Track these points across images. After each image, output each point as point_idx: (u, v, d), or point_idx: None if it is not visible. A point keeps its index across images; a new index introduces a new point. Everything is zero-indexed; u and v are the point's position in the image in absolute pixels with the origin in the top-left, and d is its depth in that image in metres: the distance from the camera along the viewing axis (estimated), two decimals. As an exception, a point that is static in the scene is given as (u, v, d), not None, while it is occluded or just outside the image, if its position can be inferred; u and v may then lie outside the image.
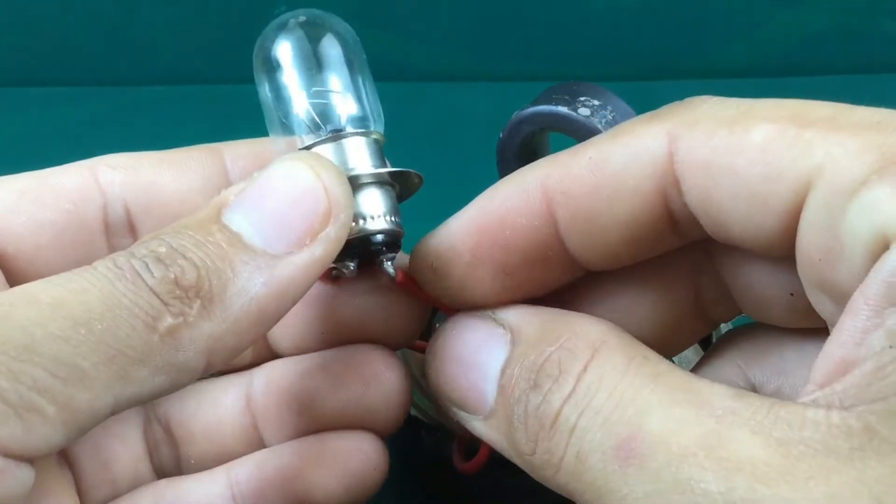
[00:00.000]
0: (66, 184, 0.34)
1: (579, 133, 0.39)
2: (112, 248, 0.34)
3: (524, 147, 0.41)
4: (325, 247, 0.30)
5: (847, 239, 0.27)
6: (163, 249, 0.28)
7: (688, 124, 0.30)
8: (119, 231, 0.34)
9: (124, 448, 0.36)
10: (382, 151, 0.34)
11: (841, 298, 0.27)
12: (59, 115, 0.77)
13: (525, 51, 0.79)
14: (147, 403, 0.36)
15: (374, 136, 0.34)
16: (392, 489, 0.38)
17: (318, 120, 0.34)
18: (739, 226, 0.29)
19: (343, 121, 0.34)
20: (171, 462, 0.37)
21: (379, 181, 0.33)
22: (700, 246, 0.32)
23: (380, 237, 0.33)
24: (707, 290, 0.34)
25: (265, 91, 0.36)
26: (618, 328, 0.30)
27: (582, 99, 0.39)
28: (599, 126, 0.38)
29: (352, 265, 0.33)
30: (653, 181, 0.30)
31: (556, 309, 0.32)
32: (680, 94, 0.77)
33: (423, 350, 0.42)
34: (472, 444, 0.39)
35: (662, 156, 0.30)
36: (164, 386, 0.28)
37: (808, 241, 0.28)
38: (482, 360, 0.31)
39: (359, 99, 0.35)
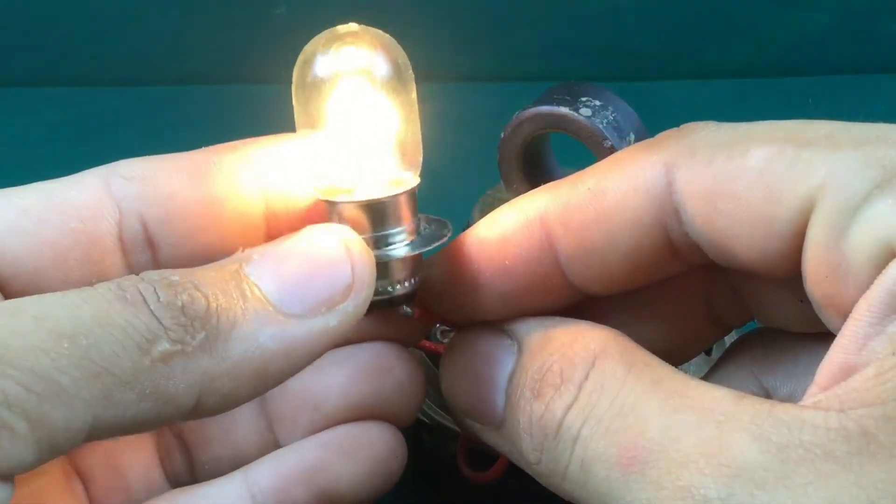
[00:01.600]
0: (74, 199, 0.32)
1: (580, 133, 0.39)
2: (129, 265, 0.33)
3: (525, 147, 0.41)
4: (340, 319, 0.29)
5: (852, 254, 0.27)
6: (175, 277, 0.28)
7: (685, 153, 0.30)
8: (137, 247, 0.33)
9: (136, 456, 0.35)
10: (416, 200, 0.34)
11: (847, 311, 0.27)
12: (59, 115, 0.77)
13: (525, 51, 0.79)
14: None
15: (410, 190, 0.33)
16: (393, 489, 0.38)
17: (357, 172, 0.33)
18: (744, 251, 0.29)
19: (384, 176, 0.33)
20: (184, 469, 0.36)
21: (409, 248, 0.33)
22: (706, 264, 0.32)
23: (402, 298, 0.33)
24: (718, 298, 0.34)
25: (304, 116, 0.34)
26: (619, 334, 0.30)
27: (583, 99, 0.39)
28: (601, 126, 0.38)
29: (409, 309, 0.34)
30: (652, 212, 0.30)
31: (561, 318, 0.32)
32: (680, 95, 0.78)
33: (428, 349, 0.42)
34: (476, 448, 0.39)
35: (661, 186, 0.30)
36: (149, 416, 0.27)
37: (813, 260, 0.28)
38: (491, 372, 0.31)
39: (403, 153, 0.34)
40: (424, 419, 0.43)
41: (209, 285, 0.28)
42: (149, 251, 0.33)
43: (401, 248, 0.32)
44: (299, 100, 0.34)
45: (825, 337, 0.28)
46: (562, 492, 0.29)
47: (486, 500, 0.42)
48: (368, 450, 0.34)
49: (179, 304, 0.27)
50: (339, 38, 0.35)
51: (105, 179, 0.33)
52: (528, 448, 0.30)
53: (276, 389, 0.34)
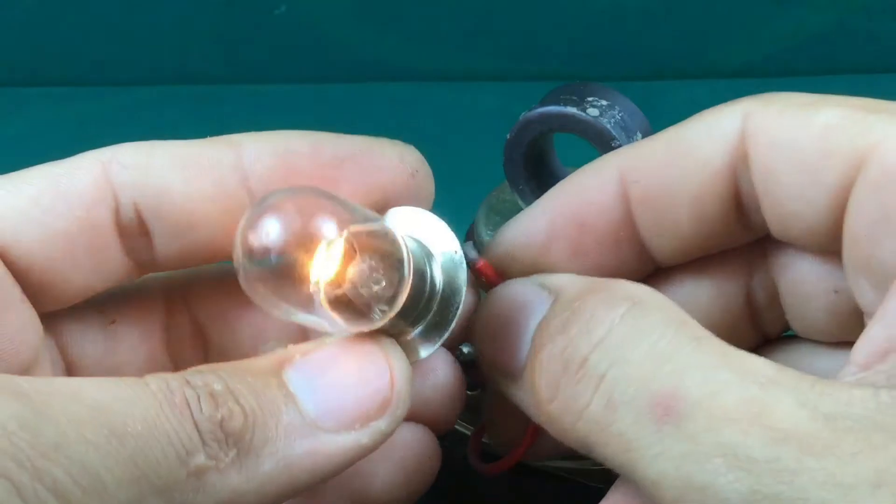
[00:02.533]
0: (78, 187, 0.32)
1: (588, 133, 0.39)
2: (127, 250, 0.33)
3: (532, 148, 0.41)
4: (372, 437, 0.29)
5: (894, 212, 0.27)
6: (218, 387, 0.28)
7: (762, 104, 0.31)
8: (132, 232, 0.33)
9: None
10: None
11: (883, 280, 0.27)
12: (59, 115, 0.77)
13: (527, 51, 0.79)
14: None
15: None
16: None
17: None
18: (793, 202, 0.30)
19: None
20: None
21: None
22: (756, 247, 0.32)
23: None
24: (759, 294, 0.34)
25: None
26: (659, 294, 0.30)
27: (590, 99, 0.39)
28: (608, 126, 0.38)
29: (465, 349, 0.34)
30: (724, 156, 0.31)
31: (604, 278, 0.31)
32: (681, 95, 0.78)
33: None
34: (486, 444, 0.39)
35: (735, 132, 0.31)
36: None
37: (856, 217, 0.28)
38: (521, 319, 0.31)
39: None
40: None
41: (249, 394, 0.28)
42: (144, 240, 0.33)
43: (428, 336, 0.32)
44: None
45: (846, 347, 0.28)
46: (572, 434, 0.29)
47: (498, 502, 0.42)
48: (403, 451, 0.34)
49: (219, 417, 0.27)
50: None
51: (105, 165, 0.33)
52: (543, 384, 0.29)
53: None
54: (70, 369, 0.34)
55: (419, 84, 0.80)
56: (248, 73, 0.79)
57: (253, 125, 0.65)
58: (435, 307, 0.32)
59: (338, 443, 0.29)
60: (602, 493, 0.40)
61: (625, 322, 0.28)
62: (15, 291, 0.31)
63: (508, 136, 0.41)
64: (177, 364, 0.36)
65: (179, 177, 0.33)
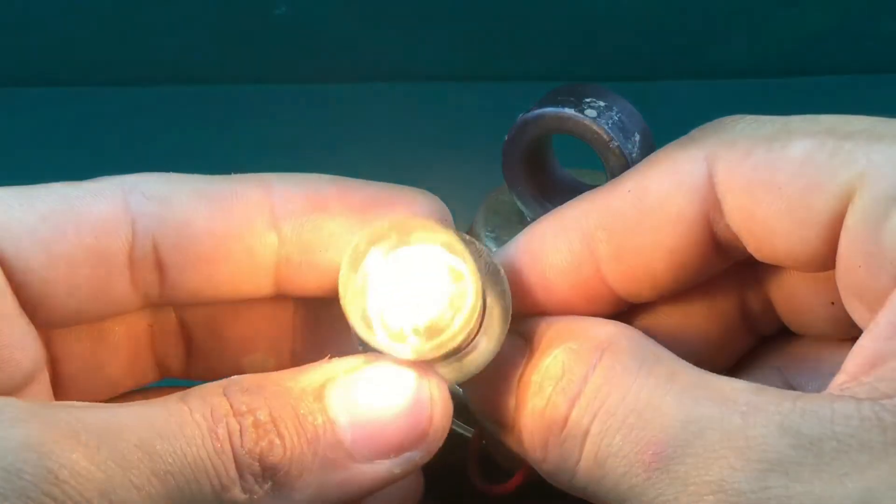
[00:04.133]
0: (93, 212, 0.32)
1: (586, 134, 0.39)
2: (135, 283, 0.33)
3: (530, 149, 0.41)
4: (405, 468, 0.29)
5: (889, 243, 0.27)
6: (262, 416, 0.28)
7: (725, 145, 0.30)
8: (145, 268, 0.33)
9: None
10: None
11: (878, 303, 0.27)
12: (59, 115, 0.77)
13: (526, 51, 0.79)
14: None
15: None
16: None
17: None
18: (782, 241, 0.29)
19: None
20: None
21: None
22: (744, 264, 0.32)
23: None
24: (753, 304, 0.34)
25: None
26: (630, 329, 0.30)
27: (588, 100, 0.39)
28: (606, 127, 0.38)
29: None
30: (695, 206, 0.30)
31: (577, 316, 0.32)
32: (680, 95, 0.78)
33: None
34: (488, 459, 0.39)
35: (703, 179, 0.30)
36: None
37: (849, 249, 0.28)
38: (504, 372, 0.31)
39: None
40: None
41: (291, 424, 0.28)
42: (156, 273, 0.33)
43: (471, 360, 0.31)
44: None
45: (851, 341, 0.28)
46: (570, 489, 0.29)
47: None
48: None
49: (258, 451, 0.27)
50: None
51: (125, 193, 0.32)
52: (535, 445, 0.30)
53: None
54: (55, 364, 0.34)
55: (419, 84, 0.80)
56: (248, 73, 0.79)
57: (253, 125, 0.66)
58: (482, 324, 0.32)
59: (370, 471, 0.29)
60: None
61: (598, 374, 0.29)
62: (12, 304, 0.31)
63: (506, 138, 0.41)
64: (161, 364, 0.36)
65: (204, 212, 0.32)
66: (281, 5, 0.77)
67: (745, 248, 0.31)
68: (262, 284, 0.34)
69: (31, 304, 0.32)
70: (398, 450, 0.29)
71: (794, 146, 0.29)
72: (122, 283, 0.33)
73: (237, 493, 0.27)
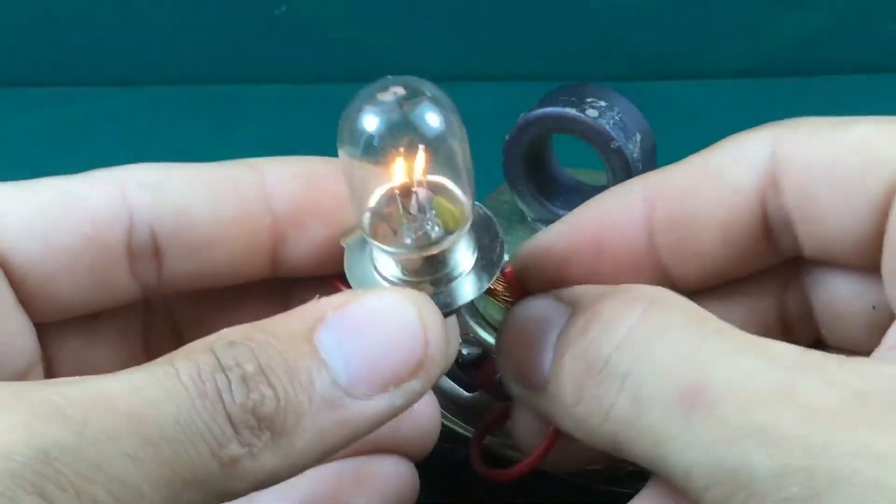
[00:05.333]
0: (90, 202, 0.32)
1: (587, 134, 0.39)
2: (135, 274, 0.33)
3: (531, 149, 0.41)
4: (406, 398, 0.29)
5: None
6: (250, 368, 0.27)
7: (790, 128, 0.31)
8: (143, 255, 0.33)
9: None
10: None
11: None
12: (59, 115, 0.77)
13: (526, 51, 0.79)
14: None
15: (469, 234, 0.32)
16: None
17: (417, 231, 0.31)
18: (834, 219, 0.30)
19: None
20: None
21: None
22: (788, 264, 0.33)
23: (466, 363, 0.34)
24: (792, 310, 0.34)
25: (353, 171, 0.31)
26: (677, 294, 0.30)
27: (589, 100, 0.39)
28: (607, 127, 0.39)
29: (465, 351, 0.34)
30: (753, 181, 0.31)
31: (619, 285, 0.31)
32: (680, 95, 0.78)
33: None
34: (488, 447, 0.39)
35: (765, 156, 0.31)
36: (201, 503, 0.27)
37: None
38: (541, 332, 0.31)
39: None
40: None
41: (282, 372, 0.27)
42: (154, 261, 0.33)
43: (462, 287, 0.31)
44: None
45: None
46: (599, 435, 0.29)
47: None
48: (382, 483, 0.34)
49: (251, 404, 0.27)
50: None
51: (121, 183, 0.32)
52: (567, 388, 0.29)
53: None
54: (47, 364, 0.34)
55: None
56: (248, 73, 0.79)
57: (253, 125, 0.66)
58: (477, 253, 0.32)
59: (370, 407, 0.28)
60: (603, 494, 0.40)
61: (645, 320, 0.28)
62: (9, 298, 0.31)
63: (507, 138, 0.41)
64: None
65: (200, 197, 0.33)
66: (281, 5, 0.77)
67: (794, 238, 0.31)
68: (258, 267, 0.34)
69: (28, 297, 0.32)
70: (397, 381, 0.28)
71: (856, 129, 0.29)
72: (120, 273, 0.33)
73: (235, 448, 0.26)
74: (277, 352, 0.28)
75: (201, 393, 0.26)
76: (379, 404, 0.28)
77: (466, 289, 0.31)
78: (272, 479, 0.28)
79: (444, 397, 0.44)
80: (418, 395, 0.29)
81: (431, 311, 0.29)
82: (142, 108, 0.78)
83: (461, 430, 0.42)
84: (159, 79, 0.79)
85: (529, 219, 0.43)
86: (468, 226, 0.31)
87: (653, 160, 0.40)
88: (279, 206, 0.33)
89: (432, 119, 0.30)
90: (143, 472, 0.25)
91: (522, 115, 0.40)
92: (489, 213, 0.32)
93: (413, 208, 0.31)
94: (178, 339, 0.36)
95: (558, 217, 0.42)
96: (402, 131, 0.30)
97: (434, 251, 0.30)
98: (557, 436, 0.33)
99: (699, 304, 0.32)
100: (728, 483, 0.25)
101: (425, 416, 0.35)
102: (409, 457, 0.35)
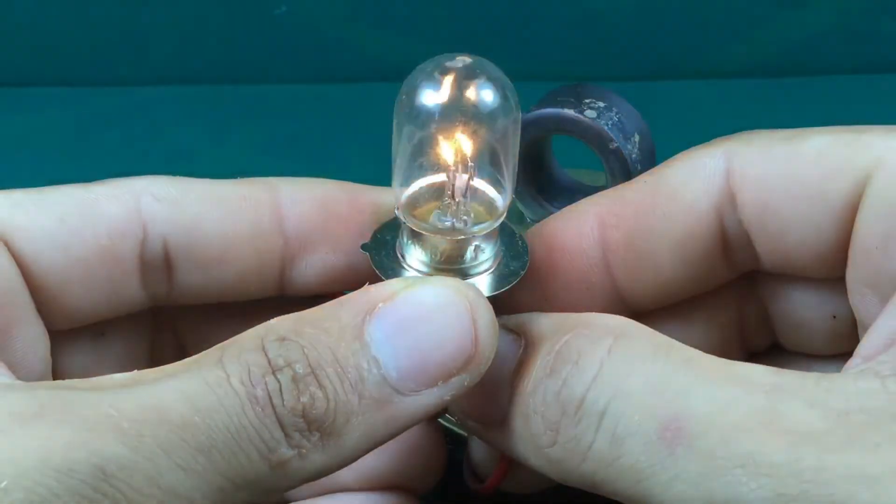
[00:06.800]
0: (108, 213, 0.32)
1: (586, 135, 0.39)
2: (145, 285, 0.33)
3: (530, 150, 0.41)
4: (454, 392, 0.29)
5: None
6: (300, 370, 0.27)
7: (743, 143, 0.30)
8: (155, 268, 0.33)
9: None
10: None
11: (891, 291, 0.27)
12: (59, 115, 0.77)
13: (525, 51, 0.79)
14: None
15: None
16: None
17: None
18: (795, 232, 0.30)
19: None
20: None
21: None
22: (745, 277, 0.32)
23: None
24: (750, 320, 0.34)
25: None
26: (636, 322, 0.30)
27: (587, 101, 0.39)
28: (606, 127, 0.39)
29: None
30: (709, 197, 0.30)
31: (570, 313, 0.31)
32: (680, 95, 0.78)
33: None
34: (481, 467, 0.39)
35: (720, 172, 0.30)
36: (248, 502, 0.27)
37: (865, 232, 0.28)
38: (495, 368, 0.30)
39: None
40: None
41: (332, 371, 0.27)
42: (165, 274, 0.33)
43: (494, 282, 0.31)
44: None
45: (844, 358, 0.28)
46: (577, 475, 0.28)
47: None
48: None
49: (301, 407, 0.27)
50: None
51: (137, 195, 0.33)
52: (540, 430, 0.29)
53: None
54: (56, 376, 0.34)
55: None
56: (248, 73, 0.79)
57: (253, 125, 0.66)
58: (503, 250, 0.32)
59: (418, 402, 0.28)
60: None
61: (614, 355, 0.28)
62: (29, 306, 0.31)
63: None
64: None
65: (214, 214, 0.33)
66: (281, 5, 0.77)
67: (752, 253, 0.31)
68: (267, 285, 0.34)
69: (45, 306, 0.32)
70: (446, 376, 0.28)
71: (811, 140, 0.29)
72: (132, 283, 0.33)
73: (285, 451, 0.27)
74: (328, 349, 0.27)
75: (252, 398, 0.26)
76: (427, 399, 0.28)
77: (496, 283, 0.31)
78: (319, 476, 0.28)
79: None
80: (466, 389, 0.29)
81: (482, 304, 0.29)
82: (142, 108, 0.78)
83: (461, 431, 0.42)
84: (159, 79, 0.79)
85: (529, 220, 0.43)
86: (504, 215, 0.31)
87: (651, 160, 0.40)
88: (291, 228, 0.33)
89: (493, 100, 0.30)
90: (195, 482, 0.25)
91: (521, 115, 0.40)
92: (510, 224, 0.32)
93: (459, 191, 0.30)
94: (183, 355, 0.36)
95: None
96: (462, 110, 0.30)
97: (471, 236, 0.30)
98: (510, 464, 0.32)
99: (657, 323, 0.32)
100: None
101: (430, 453, 0.35)
102: (412, 491, 0.35)
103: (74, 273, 0.32)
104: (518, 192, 0.42)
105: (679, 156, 0.32)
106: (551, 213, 0.43)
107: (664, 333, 0.31)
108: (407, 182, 0.31)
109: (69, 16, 0.77)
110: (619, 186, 0.32)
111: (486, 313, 0.29)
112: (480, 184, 0.31)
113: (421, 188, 0.31)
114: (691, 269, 0.31)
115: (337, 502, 0.34)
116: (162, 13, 0.77)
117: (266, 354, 0.27)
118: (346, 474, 0.34)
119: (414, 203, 0.31)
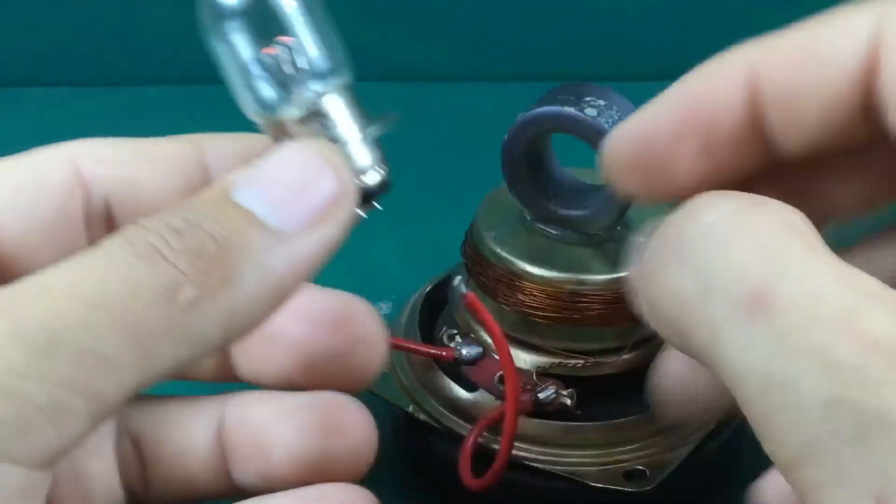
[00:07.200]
0: (55, 178, 0.33)
1: (586, 133, 0.39)
2: (91, 241, 0.33)
3: (530, 149, 0.41)
4: (336, 227, 0.30)
5: None
6: (178, 222, 0.28)
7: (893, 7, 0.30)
8: (99, 226, 0.34)
9: (97, 461, 0.36)
10: (354, 96, 0.34)
11: None
12: (59, 115, 0.77)
13: (526, 51, 0.79)
14: (120, 416, 0.36)
15: (345, 85, 0.34)
16: (402, 495, 0.38)
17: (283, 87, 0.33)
18: None
19: (310, 79, 0.33)
20: (138, 480, 0.36)
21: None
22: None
23: (376, 189, 0.33)
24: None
25: (225, 55, 0.35)
26: (790, 206, 0.29)
27: (588, 99, 0.39)
28: (607, 126, 0.38)
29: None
30: (859, 61, 0.29)
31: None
32: (681, 94, 0.75)
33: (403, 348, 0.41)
34: (481, 453, 0.39)
35: (870, 35, 0.29)
36: (185, 357, 0.28)
37: None
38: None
39: (324, 46, 0.34)
40: (434, 424, 0.43)
41: (210, 223, 0.28)
42: (108, 230, 0.34)
43: (358, 141, 0.33)
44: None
45: None
46: (663, 316, 0.28)
47: None
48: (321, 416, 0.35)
49: (192, 250, 0.28)
50: None
51: (73, 161, 0.34)
52: (647, 261, 0.29)
53: (234, 423, 0.36)
54: None
55: (419, 84, 0.80)
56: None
57: (253, 125, 0.66)
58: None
59: (309, 241, 0.29)
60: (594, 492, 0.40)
61: (738, 214, 0.28)
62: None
63: (506, 137, 0.41)
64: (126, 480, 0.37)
65: (148, 171, 0.34)
66: (281, 5, 0.77)
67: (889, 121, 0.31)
68: None
69: (11, 272, 0.33)
70: (322, 214, 0.30)
71: None
72: (82, 243, 0.34)
73: (188, 290, 0.27)
74: (203, 212, 0.29)
75: (134, 253, 0.27)
76: (315, 238, 0.29)
77: (350, 125, 0.33)
78: (238, 320, 0.28)
79: (442, 397, 0.44)
80: (346, 224, 0.30)
81: (328, 147, 0.31)
82: (142, 108, 0.78)
83: (460, 431, 0.42)
84: (159, 79, 0.79)
85: (529, 219, 0.43)
86: (344, 80, 0.33)
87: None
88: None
89: None
90: (102, 335, 0.26)
91: (521, 114, 0.40)
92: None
93: (289, 68, 0.33)
94: (140, 457, 0.37)
95: (559, 217, 0.42)
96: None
97: (315, 107, 0.32)
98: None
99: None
100: (776, 398, 0.25)
101: (359, 438, 0.35)
102: (342, 478, 0.35)
103: (40, 238, 0.33)
104: (518, 191, 0.42)
105: (829, 15, 0.31)
106: (552, 211, 0.42)
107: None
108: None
109: (69, 16, 0.77)
110: (772, 36, 0.32)
111: (334, 151, 0.31)
112: (306, 61, 0.33)
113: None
114: (836, 123, 0.31)
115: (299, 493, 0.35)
116: (162, 13, 0.77)
117: (141, 224, 0.28)
118: (277, 455, 0.35)
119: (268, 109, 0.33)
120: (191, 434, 0.36)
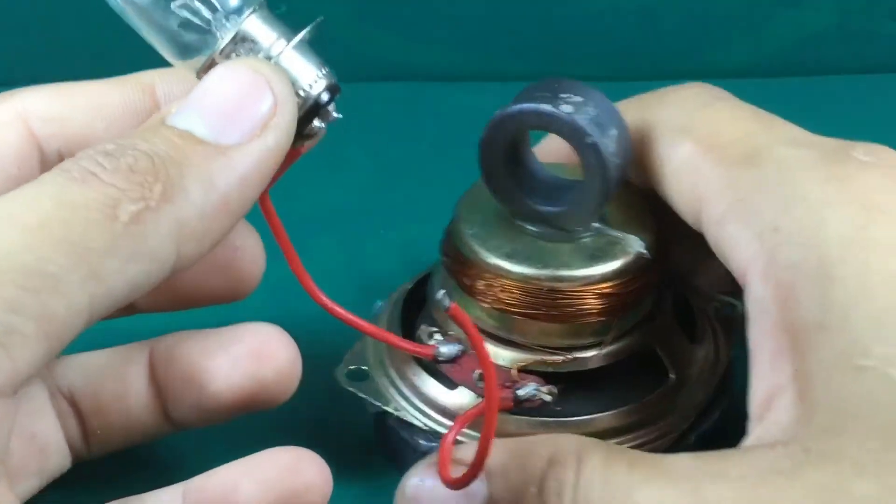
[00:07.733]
0: (11, 142, 0.35)
1: (562, 130, 0.39)
2: None
3: (507, 145, 0.41)
4: (276, 135, 0.31)
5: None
6: (110, 146, 0.29)
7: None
8: None
9: (43, 421, 0.36)
10: (271, 12, 0.35)
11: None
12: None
13: (525, 51, 0.79)
14: (49, 377, 0.37)
15: (259, 4, 0.34)
16: (384, 491, 0.38)
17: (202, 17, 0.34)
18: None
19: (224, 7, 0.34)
20: (77, 436, 0.37)
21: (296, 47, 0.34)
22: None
23: (325, 96, 0.34)
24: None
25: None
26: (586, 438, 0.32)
27: (563, 96, 0.39)
28: (583, 122, 0.38)
29: (318, 124, 0.35)
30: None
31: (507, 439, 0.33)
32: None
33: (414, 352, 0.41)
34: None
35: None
36: (140, 278, 0.28)
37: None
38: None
39: None
40: (419, 424, 0.43)
41: (144, 143, 0.29)
42: None
43: (286, 49, 0.34)
44: None
45: None
46: None
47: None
48: (281, 480, 0.35)
49: (126, 165, 0.28)
50: None
51: (25, 121, 0.35)
52: None
53: (165, 361, 0.36)
54: None
55: (419, 84, 0.80)
56: (248, 73, 0.79)
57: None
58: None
59: (248, 151, 0.30)
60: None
61: (582, 475, 0.30)
62: None
63: (483, 135, 0.41)
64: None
65: (99, 123, 0.36)
66: (281, 5, 0.77)
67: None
68: None
69: None
70: (261, 124, 0.31)
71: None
72: None
73: (129, 205, 0.27)
74: (137, 135, 0.30)
75: (68, 178, 0.28)
76: (255, 146, 0.30)
77: (275, 37, 0.34)
78: (188, 233, 0.29)
79: (425, 397, 0.44)
80: (286, 131, 0.31)
81: (257, 61, 0.32)
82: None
83: (440, 429, 0.42)
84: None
85: (507, 215, 0.43)
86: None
87: (628, 155, 0.40)
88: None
89: None
90: (45, 255, 0.26)
91: (497, 112, 0.40)
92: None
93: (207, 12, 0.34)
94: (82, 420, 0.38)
95: (538, 213, 0.42)
96: None
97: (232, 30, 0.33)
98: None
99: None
100: None
101: (287, 363, 0.37)
102: (270, 404, 0.37)
103: None
104: (496, 188, 0.42)
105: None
106: (532, 208, 0.42)
107: None
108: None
109: (69, 16, 0.77)
110: None
111: (266, 63, 0.32)
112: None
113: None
114: None
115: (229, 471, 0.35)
116: (162, 13, 0.77)
117: (78, 156, 0.29)
118: (212, 386, 0.36)
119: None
120: (125, 380, 0.37)
